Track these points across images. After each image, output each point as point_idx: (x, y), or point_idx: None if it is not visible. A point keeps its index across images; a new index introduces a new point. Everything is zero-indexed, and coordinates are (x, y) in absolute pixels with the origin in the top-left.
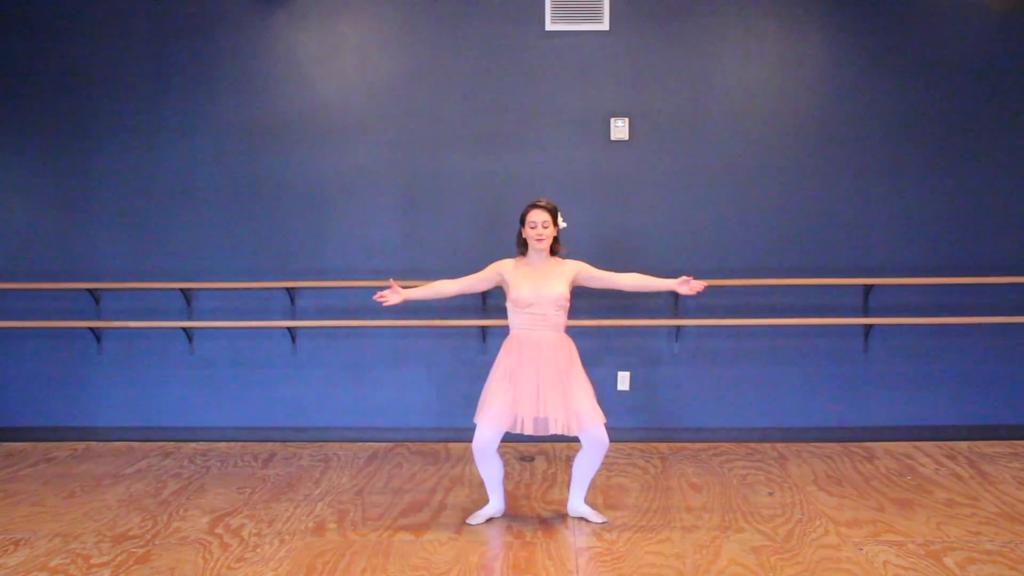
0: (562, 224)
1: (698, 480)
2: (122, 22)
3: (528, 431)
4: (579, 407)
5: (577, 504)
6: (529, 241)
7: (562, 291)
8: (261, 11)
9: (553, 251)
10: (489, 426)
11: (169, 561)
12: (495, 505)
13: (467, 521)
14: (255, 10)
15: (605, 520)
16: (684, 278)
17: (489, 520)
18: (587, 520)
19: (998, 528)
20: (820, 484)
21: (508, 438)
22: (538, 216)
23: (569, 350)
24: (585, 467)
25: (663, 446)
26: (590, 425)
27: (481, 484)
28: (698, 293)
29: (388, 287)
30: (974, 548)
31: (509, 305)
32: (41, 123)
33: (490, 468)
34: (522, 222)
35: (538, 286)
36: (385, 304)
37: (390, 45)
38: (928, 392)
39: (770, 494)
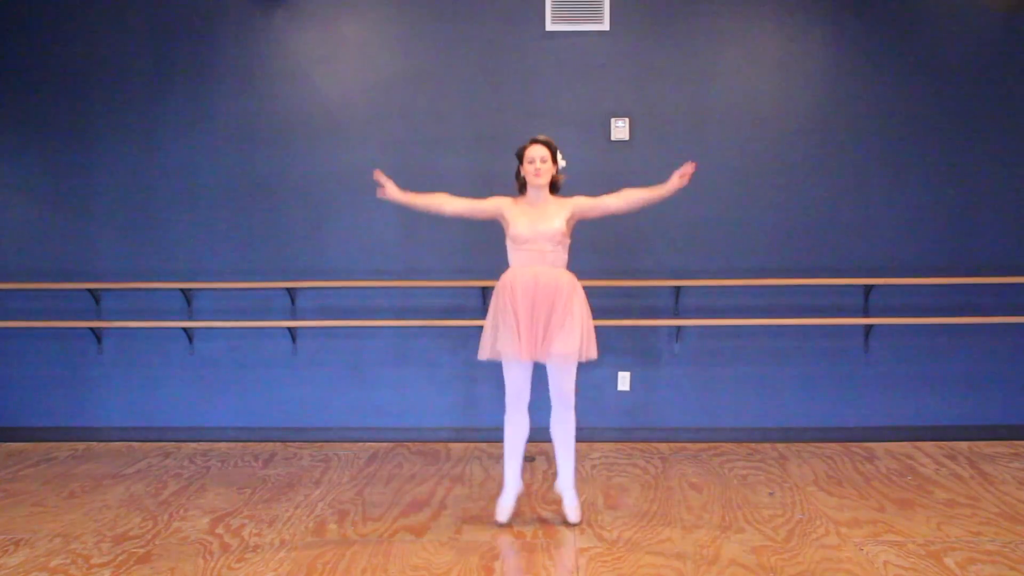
0: (561, 163)
1: (698, 480)
2: (122, 22)
3: (539, 359)
4: (558, 338)
5: (564, 483)
6: (528, 178)
7: (559, 226)
8: (261, 11)
9: (553, 190)
10: (514, 363)
11: (169, 561)
12: (512, 486)
13: (497, 520)
14: (255, 10)
15: (578, 521)
16: (675, 181)
17: (491, 521)
18: (563, 506)
19: (998, 528)
20: (820, 484)
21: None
22: (536, 152)
23: (568, 284)
24: (559, 427)
25: (663, 446)
26: (557, 353)
27: (482, 483)
28: (686, 176)
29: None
30: (974, 548)
31: (508, 243)
32: (41, 123)
33: (516, 431)
34: (520, 159)
35: (535, 222)
36: (380, 193)
37: (390, 45)
38: (928, 392)
39: (770, 494)
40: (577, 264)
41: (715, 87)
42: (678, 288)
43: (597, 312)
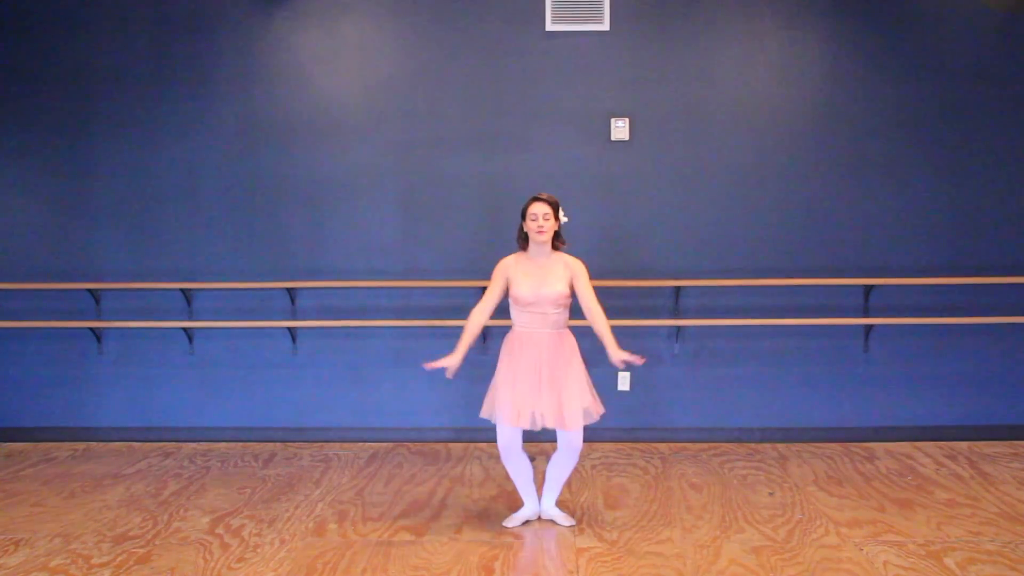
0: (563, 219)
1: (698, 480)
2: (122, 22)
3: (536, 427)
4: (566, 407)
5: (548, 506)
6: (530, 234)
7: (561, 290)
8: (261, 11)
9: (555, 246)
10: (508, 424)
11: (169, 561)
12: (530, 507)
13: (504, 524)
14: (255, 10)
15: (574, 523)
16: (623, 358)
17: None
18: (556, 523)
19: (998, 528)
20: (820, 484)
21: None
22: (539, 209)
23: (569, 347)
24: (559, 469)
25: (663, 446)
26: (568, 426)
27: (482, 483)
28: (622, 366)
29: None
30: (974, 548)
31: (511, 302)
32: (41, 123)
33: (517, 467)
34: (523, 216)
35: (537, 285)
36: (449, 374)
37: (390, 45)
38: (928, 392)
39: (770, 494)
40: None
41: (715, 87)
42: (678, 288)
43: None
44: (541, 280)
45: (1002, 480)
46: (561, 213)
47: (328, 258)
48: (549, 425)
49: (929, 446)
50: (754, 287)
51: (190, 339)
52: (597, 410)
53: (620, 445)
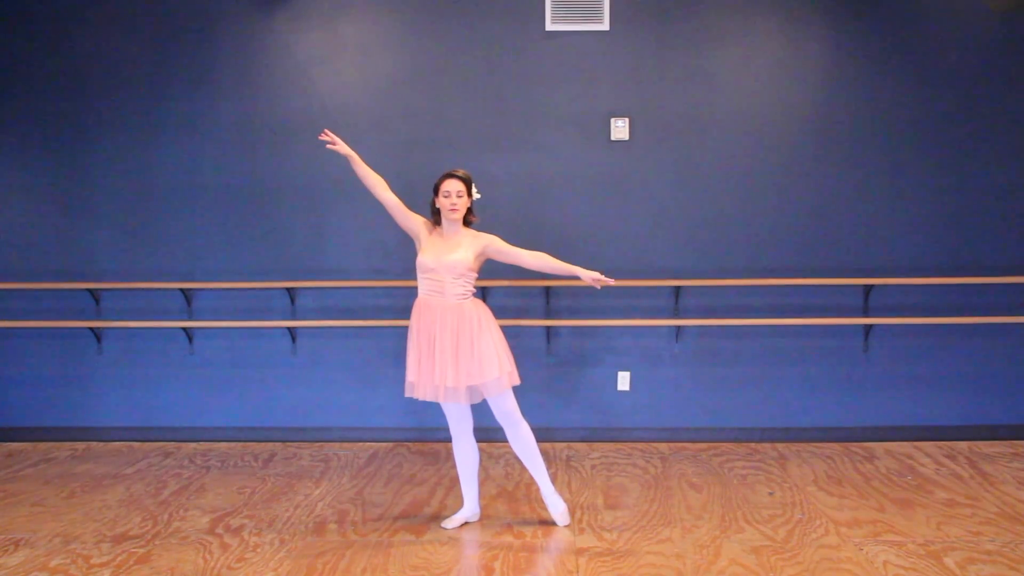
0: (476, 195)
1: (698, 480)
2: (122, 22)
3: (434, 399)
4: (479, 378)
5: (543, 493)
6: (443, 211)
7: (460, 258)
8: (261, 11)
9: (467, 222)
10: (411, 395)
11: (169, 561)
12: (468, 508)
13: (442, 525)
14: (255, 10)
15: (567, 524)
16: (595, 274)
17: (465, 524)
18: (550, 516)
19: (998, 528)
20: (820, 484)
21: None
22: (452, 186)
23: (473, 316)
24: (516, 447)
25: (663, 446)
26: (491, 395)
27: (482, 483)
28: (600, 286)
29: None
30: (974, 548)
31: (416, 267)
32: (41, 123)
33: (460, 457)
34: (436, 191)
35: (441, 253)
36: (330, 146)
37: (390, 45)
38: (928, 392)
39: (770, 494)
40: (579, 263)
41: (715, 87)
42: (678, 288)
43: (597, 312)
44: (446, 249)
45: (1002, 480)
46: (474, 190)
47: (328, 258)
48: (447, 399)
49: (929, 446)
50: (754, 287)
51: (190, 339)
52: (504, 381)
53: (620, 445)
